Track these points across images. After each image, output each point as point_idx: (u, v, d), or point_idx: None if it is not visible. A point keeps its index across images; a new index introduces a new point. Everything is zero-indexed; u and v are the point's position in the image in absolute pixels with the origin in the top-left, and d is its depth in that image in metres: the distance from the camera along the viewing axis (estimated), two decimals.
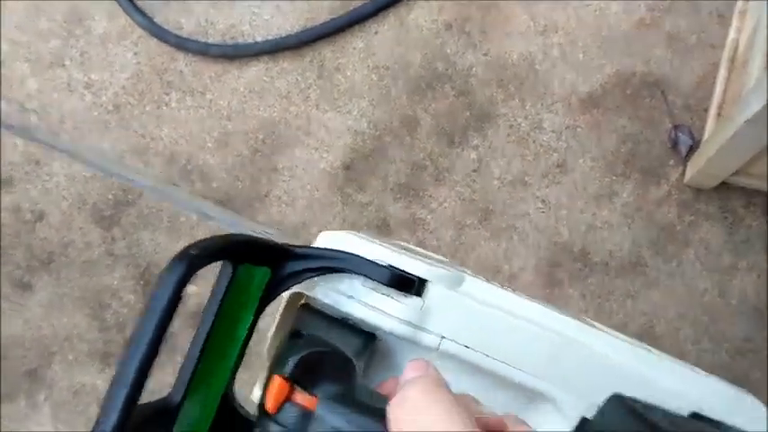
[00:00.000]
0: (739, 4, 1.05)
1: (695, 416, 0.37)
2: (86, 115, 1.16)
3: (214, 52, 1.14)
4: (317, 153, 1.11)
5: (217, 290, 0.34)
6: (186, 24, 1.17)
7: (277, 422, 0.33)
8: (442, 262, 0.44)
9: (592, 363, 0.38)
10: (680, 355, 1.01)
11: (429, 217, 1.08)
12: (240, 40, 1.15)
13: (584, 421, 0.35)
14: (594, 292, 1.03)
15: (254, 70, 1.14)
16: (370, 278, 0.38)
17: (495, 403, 0.39)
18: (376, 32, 1.13)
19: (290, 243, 0.37)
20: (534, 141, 1.08)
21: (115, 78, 1.17)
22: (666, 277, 1.03)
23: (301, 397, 0.33)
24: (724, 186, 1.01)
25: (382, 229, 1.08)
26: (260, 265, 0.35)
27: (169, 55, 1.16)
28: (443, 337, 0.38)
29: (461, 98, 1.10)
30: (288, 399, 0.33)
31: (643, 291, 1.03)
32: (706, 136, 1.00)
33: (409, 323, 0.38)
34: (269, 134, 1.13)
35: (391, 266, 0.38)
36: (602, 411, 0.35)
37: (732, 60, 1.03)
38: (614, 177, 1.05)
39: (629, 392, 0.35)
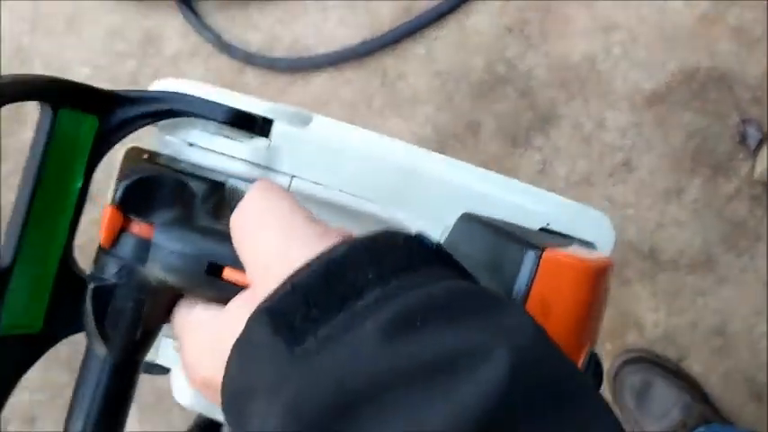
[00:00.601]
0: None
1: (544, 230, 0.38)
2: None
3: (281, 65, 1.19)
4: None
5: (37, 137, 0.31)
6: (253, 40, 1.21)
7: (114, 255, 0.31)
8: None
9: (440, 187, 0.37)
10: (755, 352, 0.99)
11: None
12: (305, 53, 1.19)
13: (438, 246, 0.35)
14: (665, 290, 1.03)
15: (320, 81, 1.18)
16: (209, 118, 0.35)
17: None
18: (436, 38, 1.16)
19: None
20: (598, 140, 1.08)
21: None
22: (739, 273, 1.01)
23: (137, 226, 0.31)
24: None
25: None
26: (84, 111, 0.32)
27: (238, 70, 1.21)
28: (294, 176, 0.37)
29: (523, 100, 1.11)
30: (123, 229, 0.31)
31: (715, 288, 1.02)
32: None
33: (257, 164, 0.36)
34: None
35: (232, 107, 0.36)
36: (455, 230, 0.35)
37: None
38: (682, 174, 1.05)
39: (478, 212, 0.37)
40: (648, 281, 1.04)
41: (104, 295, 0.31)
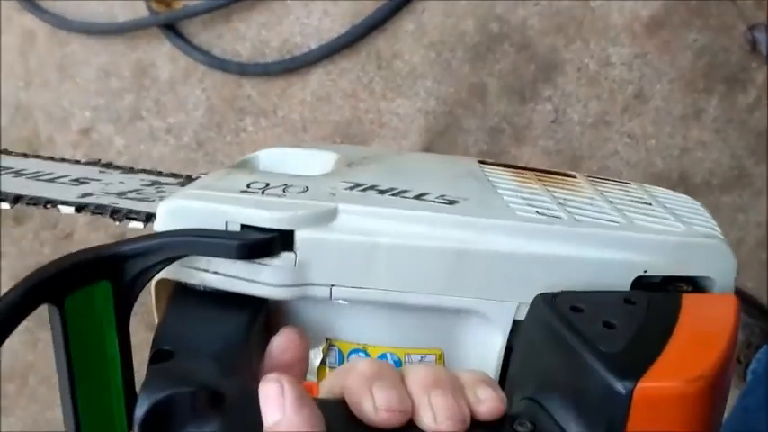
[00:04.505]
0: None
1: (641, 282, 0.33)
2: (174, 158, 1.23)
3: (275, 70, 1.18)
4: (395, 142, 1.13)
5: (54, 335, 0.29)
6: (243, 50, 1.21)
7: None
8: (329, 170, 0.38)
9: (501, 262, 0.33)
10: None
11: None
12: (296, 52, 1.18)
13: (515, 326, 0.32)
14: None
15: (316, 77, 1.17)
16: (218, 256, 0.32)
17: (424, 333, 0.36)
18: (423, 11, 1.14)
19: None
20: (606, 78, 1.06)
21: (191, 117, 1.22)
22: None
23: None
24: None
25: None
26: (91, 283, 0.30)
27: (235, 83, 1.21)
28: (333, 285, 0.34)
29: (523, 53, 1.09)
30: None
31: (753, 202, 1.00)
32: None
33: (288, 285, 0.33)
34: (345, 135, 1.16)
35: (244, 228, 0.33)
36: (528, 325, 0.32)
37: None
38: (697, 95, 1.03)
39: (554, 281, 0.32)
40: None
41: None
